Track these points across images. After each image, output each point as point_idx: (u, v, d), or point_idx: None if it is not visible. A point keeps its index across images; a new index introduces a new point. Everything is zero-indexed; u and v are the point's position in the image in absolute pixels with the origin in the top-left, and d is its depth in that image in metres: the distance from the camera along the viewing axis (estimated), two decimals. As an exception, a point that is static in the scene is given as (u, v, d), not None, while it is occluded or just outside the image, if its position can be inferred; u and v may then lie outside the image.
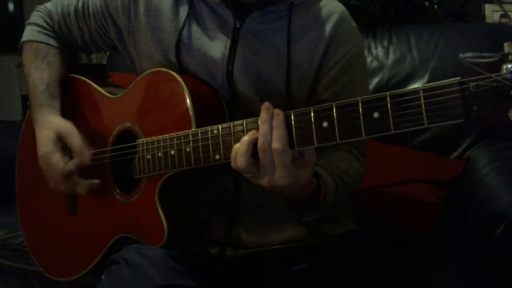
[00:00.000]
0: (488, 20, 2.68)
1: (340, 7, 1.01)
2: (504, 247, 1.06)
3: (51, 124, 1.03)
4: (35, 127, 1.05)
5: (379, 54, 1.65)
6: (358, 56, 0.99)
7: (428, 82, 1.57)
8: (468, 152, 1.50)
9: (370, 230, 1.05)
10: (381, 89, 1.60)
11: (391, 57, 1.64)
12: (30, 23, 1.13)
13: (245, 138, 0.76)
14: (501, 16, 2.69)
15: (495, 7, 2.61)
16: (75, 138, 1.00)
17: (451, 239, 1.32)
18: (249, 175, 0.77)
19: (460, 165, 1.44)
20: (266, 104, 0.75)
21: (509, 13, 2.54)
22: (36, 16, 1.13)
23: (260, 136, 0.74)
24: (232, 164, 0.78)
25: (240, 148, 0.76)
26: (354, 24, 1.01)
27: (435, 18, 2.05)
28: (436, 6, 2.10)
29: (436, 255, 1.25)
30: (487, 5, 2.67)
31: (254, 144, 0.76)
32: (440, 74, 1.57)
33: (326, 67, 0.96)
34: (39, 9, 1.14)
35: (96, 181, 1.00)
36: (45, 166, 1.02)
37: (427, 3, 2.06)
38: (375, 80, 1.62)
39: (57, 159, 1.00)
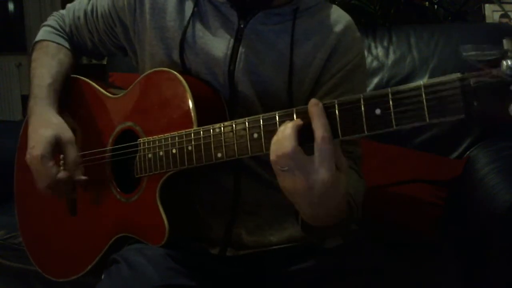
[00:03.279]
0: (488, 20, 2.68)
1: (346, 17, 1.01)
2: (504, 247, 1.06)
3: (53, 125, 1.01)
4: (31, 117, 1.03)
5: (379, 54, 1.64)
6: (359, 65, 0.99)
7: (428, 82, 1.57)
8: (468, 152, 1.50)
9: (370, 230, 1.05)
10: (381, 89, 1.59)
11: (391, 57, 1.64)
12: (44, 25, 1.16)
13: (290, 124, 0.71)
14: (501, 16, 2.69)
15: (495, 7, 2.61)
16: (72, 151, 0.99)
17: (451, 239, 1.32)
18: (284, 169, 0.70)
19: (460, 165, 1.44)
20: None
21: (509, 13, 2.55)
22: (50, 20, 1.17)
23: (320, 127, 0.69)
24: (272, 156, 0.71)
25: (286, 131, 0.70)
26: (358, 34, 1.01)
27: (435, 18, 2.05)
28: (436, 6, 2.09)
29: (436, 255, 1.25)
30: (487, 5, 2.67)
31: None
32: (440, 74, 1.53)
33: (328, 74, 0.96)
34: (54, 14, 1.18)
35: (83, 177, 1.00)
36: (36, 167, 0.99)
37: (427, 3, 2.06)
38: (375, 80, 1.62)
39: (51, 165, 0.98)
